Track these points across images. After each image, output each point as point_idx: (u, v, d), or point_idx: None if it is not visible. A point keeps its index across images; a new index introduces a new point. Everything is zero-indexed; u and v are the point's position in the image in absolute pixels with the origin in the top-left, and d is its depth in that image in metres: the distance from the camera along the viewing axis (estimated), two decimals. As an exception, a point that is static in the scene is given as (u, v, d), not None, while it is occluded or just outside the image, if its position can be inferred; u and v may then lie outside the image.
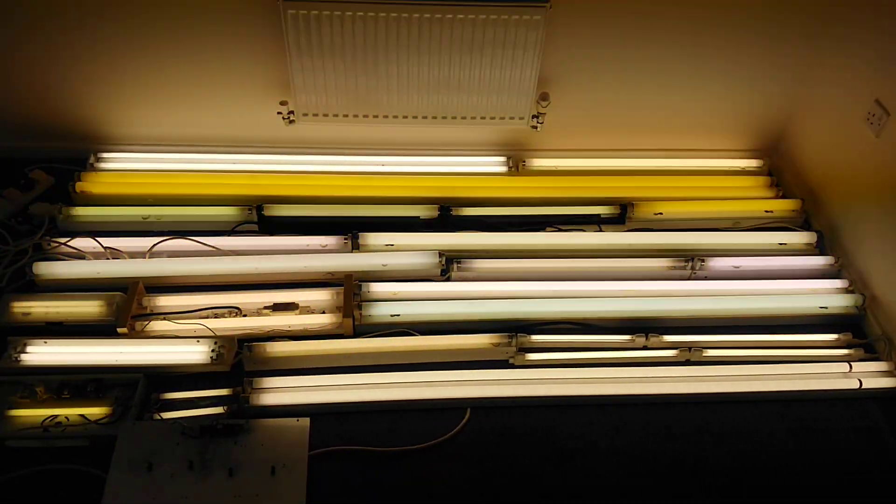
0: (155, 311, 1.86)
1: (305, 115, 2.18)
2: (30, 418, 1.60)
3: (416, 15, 1.95)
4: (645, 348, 1.83)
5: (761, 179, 2.38)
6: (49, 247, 1.99)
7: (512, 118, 2.23)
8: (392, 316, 1.86)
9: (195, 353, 1.75)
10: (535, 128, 2.26)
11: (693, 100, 2.29)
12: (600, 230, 2.21)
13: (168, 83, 2.16)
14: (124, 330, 1.78)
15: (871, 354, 1.89)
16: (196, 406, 1.66)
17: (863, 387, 1.77)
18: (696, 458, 1.65)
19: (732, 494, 1.60)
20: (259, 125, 2.28)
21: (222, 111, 2.25)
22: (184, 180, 2.23)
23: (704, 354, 1.82)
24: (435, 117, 2.22)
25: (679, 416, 1.73)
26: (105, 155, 2.30)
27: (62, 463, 1.54)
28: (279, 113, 2.18)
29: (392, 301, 1.89)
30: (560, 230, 2.19)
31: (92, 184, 2.19)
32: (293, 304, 1.87)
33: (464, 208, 2.19)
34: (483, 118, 2.23)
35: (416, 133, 2.34)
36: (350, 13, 1.93)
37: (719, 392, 1.76)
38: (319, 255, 2.03)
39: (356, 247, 2.06)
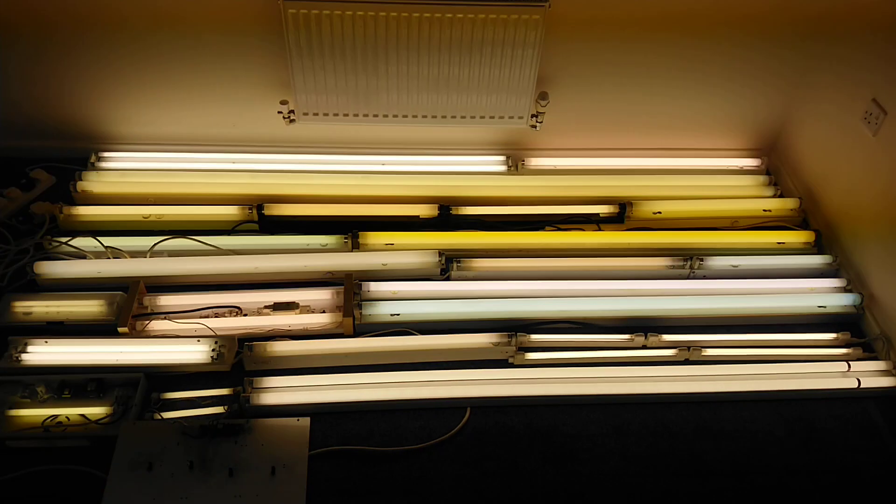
0: (155, 311, 1.86)
1: (306, 114, 2.19)
2: (30, 418, 1.61)
3: (416, 15, 1.95)
4: (644, 347, 1.84)
5: (759, 178, 2.38)
6: (50, 246, 2.00)
7: (511, 118, 2.23)
8: (392, 315, 1.86)
9: (195, 353, 1.76)
10: (535, 127, 2.26)
11: (691, 99, 2.29)
12: (599, 229, 2.22)
13: (169, 83, 2.16)
14: (125, 329, 1.78)
15: (869, 353, 1.89)
16: (196, 406, 1.67)
17: (861, 386, 1.78)
18: (695, 457, 1.66)
19: (731, 493, 1.60)
20: (259, 125, 2.28)
21: (223, 111, 2.25)
22: (184, 180, 2.23)
23: (703, 354, 1.83)
24: (434, 117, 2.22)
25: (678, 415, 1.74)
26: (106, 154, 2.30)
27: (63, 463, 1.55)
28: (279, 112, 2.18)
29: (392, 300, 1.90)
30: (559, 229, 2.19)
31: (93, 183, 2.19)
32: (293, 303, 1.87)
33: (463, 207, 2.19)
34: (482, 118, 2.23)
35: (416, 132, 2.34)
36: (350, 13, 1.93)
37: (718, 391, 1.76)
38: (319, 254, 2.04)
39: (356, 246, 2.06)
